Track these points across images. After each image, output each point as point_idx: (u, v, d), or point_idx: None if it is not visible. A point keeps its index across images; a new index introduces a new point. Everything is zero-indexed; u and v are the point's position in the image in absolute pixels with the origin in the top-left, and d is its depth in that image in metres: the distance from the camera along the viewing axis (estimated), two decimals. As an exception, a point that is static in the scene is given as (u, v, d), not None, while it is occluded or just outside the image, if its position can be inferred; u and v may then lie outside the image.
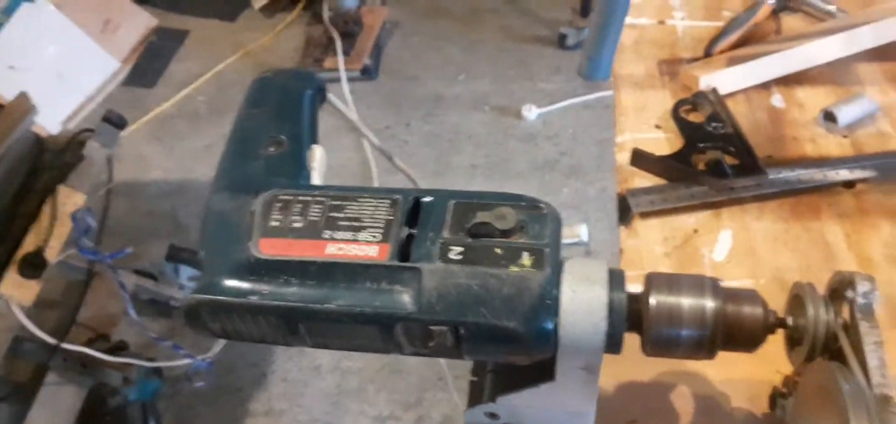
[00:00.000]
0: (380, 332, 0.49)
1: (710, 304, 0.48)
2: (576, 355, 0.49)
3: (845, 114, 0.80)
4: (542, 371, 0.52)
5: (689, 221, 0.75)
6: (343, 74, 2.65)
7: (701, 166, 0.77)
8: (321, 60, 2.72)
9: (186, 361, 1.88)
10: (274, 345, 0.52)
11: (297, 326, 0.50)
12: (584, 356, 0.49)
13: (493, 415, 0.58)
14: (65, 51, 2.59)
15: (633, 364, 0.62)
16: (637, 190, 0.76)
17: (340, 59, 2.64)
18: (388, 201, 0.51)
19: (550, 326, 0.48)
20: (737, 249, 0.72)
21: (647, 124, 0.85)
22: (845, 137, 0.81)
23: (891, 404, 0.43)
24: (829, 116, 0.81)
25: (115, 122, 1.42)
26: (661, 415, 0.59)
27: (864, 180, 0.76)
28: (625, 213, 0.75)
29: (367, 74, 2.72)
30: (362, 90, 2.74)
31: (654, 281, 0.49)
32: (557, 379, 0.52)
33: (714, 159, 0.76)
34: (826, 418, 0.44)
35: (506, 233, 0.49)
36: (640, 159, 0.78)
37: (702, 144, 0.78)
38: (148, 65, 2.79)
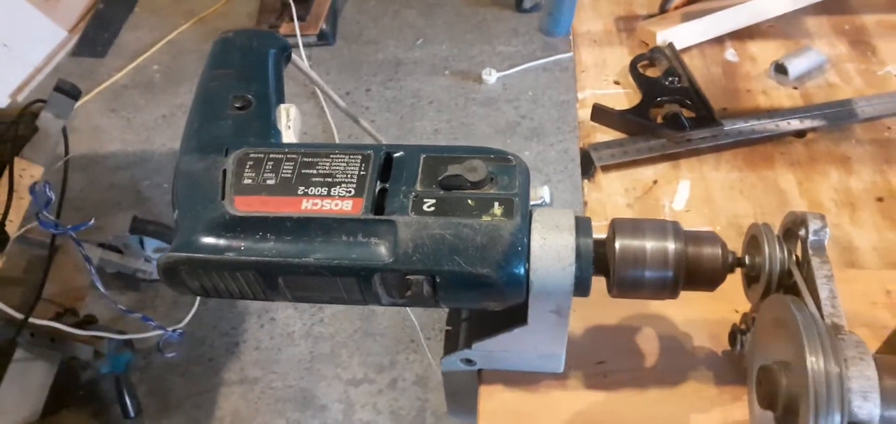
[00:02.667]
0: (358, 283, 0.50)
1: (671, 246, 0.50)
2: (546, 298, 0.51)
3: (795, 66, 0.83)
4: (515, 316, 0.54)
5: (648, 172, 0.77)
6: (299, 40, 2.62)
7: (659, 120, 0.79)
8: (276, 26, 2.68)
9: (157, 332, 1.88)
10: (254, 300, 0.52)
11: (277, 280, 0.51)
12: (555, 300, 0.52)
13: (468, 361, 0.60)
14: (8, 21, 2.51)
15: (601, 309, 0.64)
16: (599, 144, 0.78)
17: (296, 24, 2.61)
18: (360, 157, 0.52)
19: (522, 271, 0.50)
20: (695, 197, 0.75)
21: (606, 81, 0.87)
22: (795, 88, 0.84)
23: (841, 331, 0.46)
24: (780, 69, 0.84)
25: (69, 91, 1.39)
26: (627, 355, 0.61)
27: (813, 130, 0.79)
28: (588, 167, 0.78)
29: (324, 39, 2.70)
30: (320, 56, 2.71)
31: (618, 226, 0.52)
32: (530, 323, 0.54)
33: (671, 113, 0.79)
34: (782, 348, 0.47)
35: (477, 184, 0.50)
36: (601, 114, 0.81)
37: (659, 98, 0.81)
38: (97, 34, 2.72)
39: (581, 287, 0.51)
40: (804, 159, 0.77)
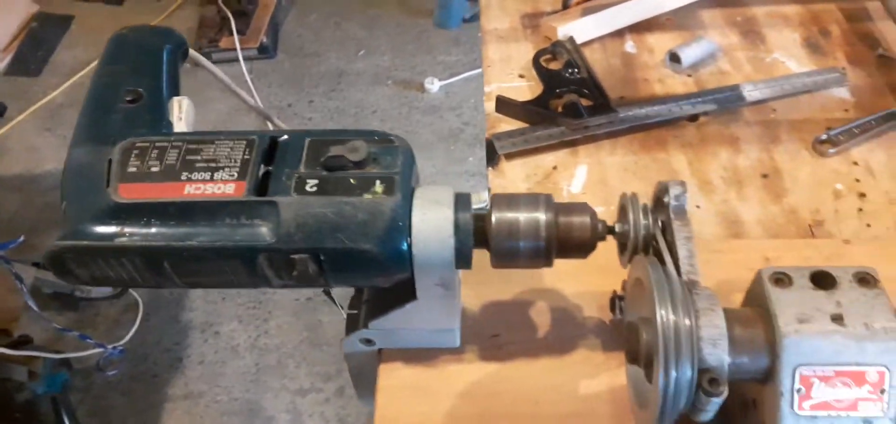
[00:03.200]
0: (244, 265, 0.52)
1: (543, 216, 0.53)
2: (431, 271, 0.54)
3: (688, 55, 0.87)
4: (406, 292, 0.57)
5: (549, 159, 0.80)
6: (240, 54, 2.61)
7: (559, 109, 0.82)
8: (216, 41, 2.67)
9: (96, 350, 1.85)
10: (144, 287, 0.53)
11: (162, 265, 0.52)
12: (439, 272, 0.54)
13: (368, 341, 0.62)
14: (-62, 42, 2.45)
15: (496, 286, 0.67)
16: (501, 134, 0.81)
17: (236, 38, 2.60)
18: (244, 142, 0.54)
19: (404, 246, 0.52)
20: (591, 180, 0.78)
21: (511, 74, 0.90)
22: (690, 76, 0.89)
23: (697, 287, 0.49)
24: (674, 58, 0.88)
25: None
26: (521, 328, 0.64)
27: (705, 114, 0.84)
28: (492, 155, 0.80)
29: (265, 52, 2.70)
30: (261, 69, 2.71)
31: (495, 200, 0.54)
32: (419, 298, 0.56)
33: (570, 102, 0.82)
34: (643, 305, 0.50)
35: (359, 164, 0.53)
36: (504, 105, 0.84)
37: (559, 89, 0.84)
38: (31, 53, 2.67)
39: (462, 259, 0.54)
40: (696, 140, 0.81)
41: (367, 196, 0.51)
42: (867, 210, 0.74)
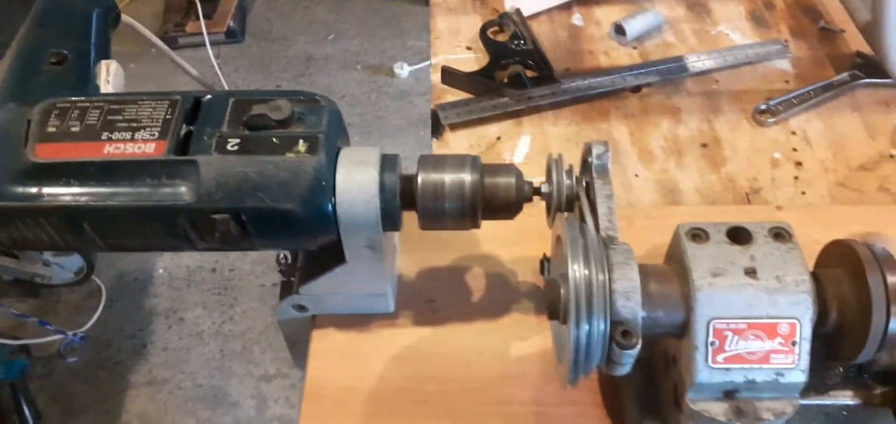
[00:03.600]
0: (164, 226, 0.51)
1: (468, 177, 0.53)
2: (356, 233, 0.54)
3: (632, 27, 0.88)
4: (335, 256, 0.56)
5: (493, 130, 0.80)
6: (206, 38, 2.58)
7: (504, 80, 0.83)
8: (183, 25, 2.64)
9: (57, 337, 1.82)
10: (68, 251, 0.53)
11: (82, 226, 0.51)
12: (365, 234, 0.54)
13: (301, 307, 0.62)
14: None
15: (433, 252, 0.67)
16: (446, 104, 0.81)
17: (202, 22, 2.57)
18: (167, 102, 0.53)
19: (327, 206, 0.52)
20: (534, 150, 0.78)
21: (459, 46, 0.90)
22: (635, 48, 0.89)
23: (614, 242, 0.50)
24: (619, 30, 0.89)
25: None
26: (456, 293, 0.64)
27: (648, 85, 0.84)
28: (436, 126, 0.80)
29: (233, 36, 2.67)
30: (229, 54, 2.68)
31: (422, 162, 0.54)
32: (348, 261, 0.56)
33: (515, 73, 0.82)
34: (562, 262, 0.50)
35: (282, 123, 0.52)
36: (449, 76, 0.83)
37: (505, 61, 0.84)
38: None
39: (389, 220, 0.54)
40: (638, 111, 0.82)
41: (289, 155, 0.51)
42: (803, 178, 0.75)
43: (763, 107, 0.80)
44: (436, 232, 0.56)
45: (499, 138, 0.80)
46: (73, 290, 1.98)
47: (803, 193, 0.74)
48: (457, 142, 0.79)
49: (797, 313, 0.46)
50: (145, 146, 0.51)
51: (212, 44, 2.63)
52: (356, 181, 0.52)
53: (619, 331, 0.46)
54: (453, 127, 0.80)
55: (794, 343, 0.47)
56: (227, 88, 2.40)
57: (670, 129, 0.80)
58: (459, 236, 0.65)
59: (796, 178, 0.75)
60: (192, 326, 1.94)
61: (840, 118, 0.80)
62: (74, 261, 1.87)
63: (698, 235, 0.49)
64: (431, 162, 0.54)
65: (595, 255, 0.47)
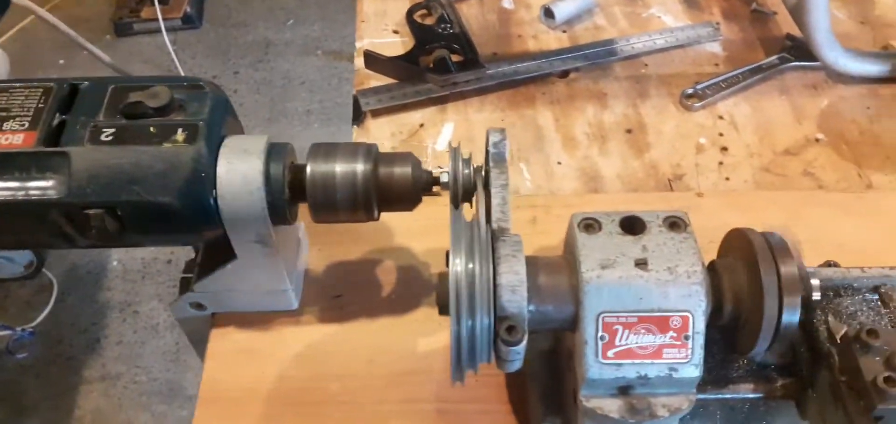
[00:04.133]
0: (37, 221, 0.49)
1: (360, 167, 0.51)
2: (243, 228, 0.51)
3: (562, 10, 0.86)
4: (227, 251, 0.54)
5: (416, 116, 0.78)
6: (162, 24, 2.52)
7: (429, 65, 0.80)
8: (138, 11, 2.58)
9: (4, 333, 1.78)
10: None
11: (-53, 223, 0.48)
12: (253, 228, 0.51)
13: (199, 305, 0.59)
14: None
15: (344, 246, 0.65)
16: (367, 90, 0.79)
17: (158, 8, 2.51)
18: (41, 90, 0.50)
19: (209, 200, 0.49)
20: (457, 137, 0.76)
21: (385, 30, 0.87)
22: (565, 31, 0.87)
23: (504, 234, 0.48)
24: (548, 13, 0.87)
25: None
26: (365, 287, 0.62)
27: (576, 69, 0.82)
28: (357, 113, 0.78)
29: (190, 22, 2.61)
30: (186, 40, 2.63)
31: (313, 151, 0.52)
32: (239, 257, 0.54)
33: (439, 58, 0.80)
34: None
35: (160, 111, 0.50)
36: (372, 61, 0.81)
37: (430, 45, 0.82)
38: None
39: (277, 213, 0.51)
40: (564, 97, 0.80)
41: (166, 145, 0.48)
42: (728, 163, 0.74)
43: (690, 91, 0.79)
44: (347, 224, 0.54)
45: (422, 125, 0.77)
46: (23, 285, 1.93)
47: (727, 178, 0.72)
48: (378, 129, 0.77)
49: (689, 305, 0.45)
50: (13, 137, 0.48)
51: (168, 30, 2.56)
52: (239, 172, 0.49)
53: (505, 326, 0.44)
54: (375, 114, 0.78)
55: (686, 337, 0.45)
56: (183, 75, 2.35)
57: (596, 114, 0.78)
58: (370, 229, 0.63)
59: (721, 163, 0.74)
60: (147, 319, 1.91)
61: (768, 102, 0.79)
62: (24, 255, 1.82)
63: (591, 225, 0.48)
64: (322, 151, 0.52)
65: (480, 248, 0.45)
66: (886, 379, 0.41)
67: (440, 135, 0.76)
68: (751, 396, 0.51)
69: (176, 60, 2.45)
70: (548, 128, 0.77)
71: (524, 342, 0.44)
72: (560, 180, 0.73)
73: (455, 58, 0.81)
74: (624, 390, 0.47)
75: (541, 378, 0.56)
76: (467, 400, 0.56)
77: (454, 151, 0.53)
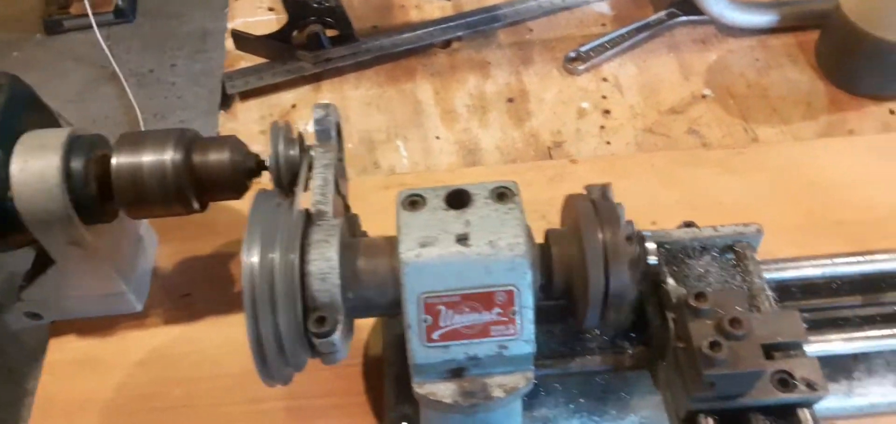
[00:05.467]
0: None
1: (170, 157, 0.47)
2: (48, 230, 0.47)
3: (444, -23, 0.82)
4: (46, 256, 0.50)
5: (288, 97, 0.74)
6: (93, 20, 2.44)
7: (302, 42, 0.76)
8: (67, 6, 2.49)
9: None
10: None
11: None
12: (60, 230, 0.47)
13: (35, 314, 0.55)
14: None
15: (198, 241, 0.61)
16: (233, 72, 0.75)
17: (87, 3, 2.43)
18: None
19: (4, 202, 0.45)
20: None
21: (260, 8, 0.83)
22: (448, 0, 0.84)
23: (322, 218, 0.44)
24: (430, -19, 0.83)
25: None
26: (217, 284, 0.59)
27: (459, 39, 0.79)
28: (225, 96, 0.74)
29: (122, 16, 2.52)
30: (120, 35, 2.53)
31: (119, 142, 0.48)
32: (57, 261, 0.50)
33: (313, 33, 0.76)
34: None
35: (-56, 110, 0.45)
36: (241, 40, 0.77)
37: (304, 20, 0.78)
38: None
39: (88, 212, 0.47)
40: (446, 68, 0.77)
41: (-50, 146, 0.44)
42: (609, 127, 0.71)
43: (573, 54, 0.76)
44: (199, 216, 0.51)
45: (294, 106, 0.74)
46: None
47: (608, 142, 0.70)
48: (246, 113, 0.73)
49: (513, 279, 0.42)
50: None
51: (100, 25, 2.48)
52: (34, 171, 0.45)
53: (314, 318, 0.41)
54: (244, 96, 0.74)
55: (513, 313, 0.42)
56: (119, 72, 2.28)
57: (477, 85, 0.75)
58: (226, 219, 0.59)
59: (603, 127, 0.71)
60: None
61: (655, 60, 0.76)
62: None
63: (416, 201, 0.44)
64: (129, 141, 0.48)
65: (285, 236, 0.41)
66: (712, 345, 0.39)
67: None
68: (600, 369, 0.48)
69: (110, 56, 2.38)
70: (427, 102, 0.74)
71: (338, 333, 0.41)
72: (438, 156, 0.69)
73: (330, 33, 0.77)
74: (456, 373, 0.44)
75: (396, 365, 0.53)
76: (320, 395, 0.53)
77: (275, 130, 0.49)
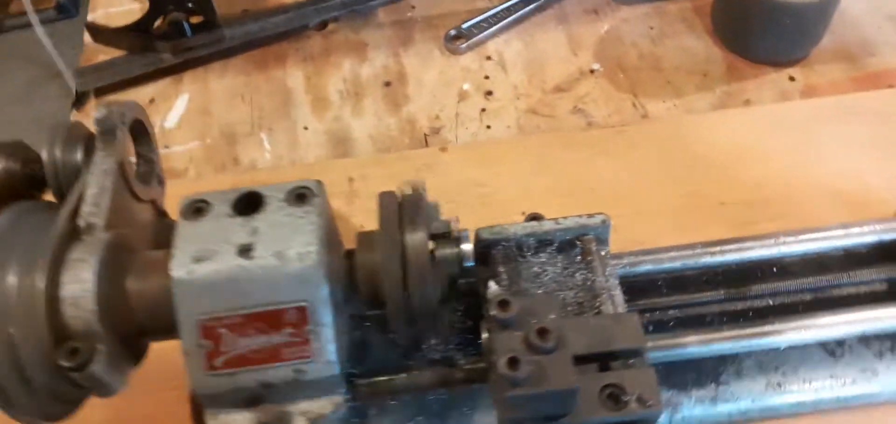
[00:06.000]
0: None
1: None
2: None
3: (321, -46, 0.76)
4: None
5: (148, 91, 0.69)
6: (34, 17, 2.36)
7: (162, 31, 0.70)
8: (6, 5, 2.41)
9: None
10: None
11: None
12: None
13: None
14: None
15: None
16: (85, 68, 0.69)
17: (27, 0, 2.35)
18: None
19: None
20: (191, 112, 0.67)
21: (123, -3, 0.77)
22: (328, -22, 0.78)
23: (92, 231, 0.39)
24: (307, -41, 0.77)
25: None
26: None
27: (335, 19, 0.73)
28: (79, 95, 0.68)
29: (65, 12, 2.45)
30: (65, 31, 2.46)
31: None
32: None
33: (174, 21, 0.70)
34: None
35: None
36: (98, 33, 0.71)
37: (165, 8, 0.72)
38: None
39: None
40: (319, 52, 0.71)
41: None
42: (491, 109, 0.65)
43: (454, 32, 0.70)
44: None
45: (152, 101, 0.68)
46: None
47: (488, 126, 0.64)
48: (101, 112, 0.67)
49: (305, 294, 0.37)
50: None
51: (43, 22, 2.40)
52: None
53: (65, 349, 0.35)
54: (99, 92, 0.68)
55: (308, 333, 0.37)
56: (65, 70, 2.21)
57: (352, 69, 0.70)
58: None
59: (484, 110, 0.65)
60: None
61: (543, 35, 0.71)
62: None
63: (201, 208, 0.39)
64: None
65: (30, 255, 0.36)
66: (511, 362, 0.34)
67: (172, 110, 0.67)
68: (427, 386, 0.43)
69: (54, 53, 2.30)
70: (297, 90, 0.68)
71: (98, 365, 0.36)
72: (305, 149, 0.64)
73: (194, 20, 0.71)
74: (253, 401, 0.39)
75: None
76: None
77: (51, 131, 0.43)
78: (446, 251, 0.39)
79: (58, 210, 0.40)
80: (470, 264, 0.39)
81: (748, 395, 0.46)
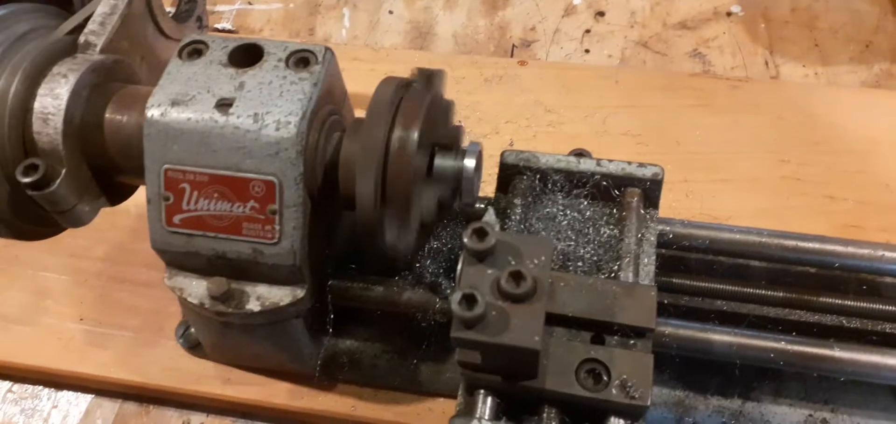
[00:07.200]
0: None
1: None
2: None
3: None
4: None
5: (247, -56, 0.66)
6: None
7: None
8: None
9: None
10: None
11: None
12: None
13: None
14: None
15: None
16: None
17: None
18: None
19: None
20: None
21: None
22: None
23: (87, 49, 0.36)
24: None
25: None
26: None
27: None
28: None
29: None
30: None
31: None
32: None
33: None
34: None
35: None
36: None
37: None
38: None
39: None
40: None
41: None
42: (597, 32, 0.58)
43: (576, -62, 0.61)
44: None
45: (250, -44, 0.65)
46: None
47: (587, 51, 0.56)
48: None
49: (275, 168, 0.32)
50: None
51: None
52: None
53: (24, 165, 0.34)
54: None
55: (272, 211, 0.33)
56: None
57: (458, -42, 0.63)
58: None
59: (588, 31, 0.57)
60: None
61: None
62: None
63: (199, 50, 0.35)
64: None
65: (17, 60, 0.34)
66: (465, 298, 0.27)
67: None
68: (402, 306, 0.37)
69: None
70: (393, -33, 0.63)
71: (59, 185, 0.34)
72: (383, 34, 0.59)
73: None
74: (210, 271, 0.35)
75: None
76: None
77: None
78: (445, 163, 0.33)
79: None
80: (471, 183, 0.33)
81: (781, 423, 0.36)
